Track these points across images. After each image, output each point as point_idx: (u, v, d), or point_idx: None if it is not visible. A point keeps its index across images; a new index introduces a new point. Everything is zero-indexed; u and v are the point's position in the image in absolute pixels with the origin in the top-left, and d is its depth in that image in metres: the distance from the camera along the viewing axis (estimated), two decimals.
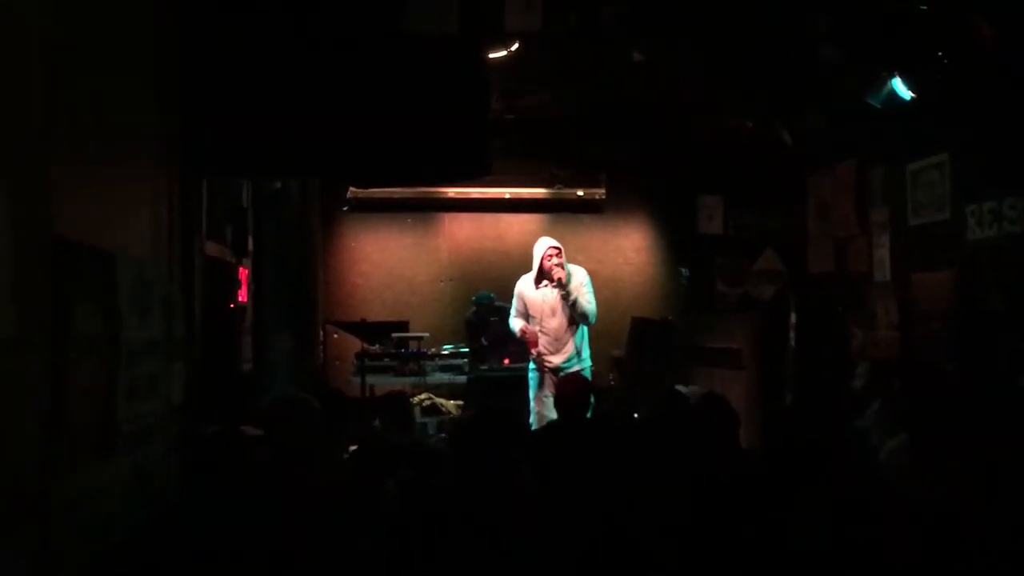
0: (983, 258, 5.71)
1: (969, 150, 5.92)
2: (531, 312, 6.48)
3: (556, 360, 6.38)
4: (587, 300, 6.38)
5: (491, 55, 4.85)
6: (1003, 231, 5.49)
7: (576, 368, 6.33)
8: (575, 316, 6.36)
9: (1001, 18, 4.94)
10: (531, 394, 6.51)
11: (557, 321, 6.38)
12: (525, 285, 6.54)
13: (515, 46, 5.02)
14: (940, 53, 5.49)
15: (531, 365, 6.55)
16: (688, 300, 8.59)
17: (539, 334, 6.40)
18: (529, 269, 6.54)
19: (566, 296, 6.30)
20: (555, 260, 6.32)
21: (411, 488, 3.11)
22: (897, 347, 6.59)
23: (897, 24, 5.35)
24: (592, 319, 6.46)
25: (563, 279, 6.29)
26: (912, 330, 6.44)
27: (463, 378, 7.18)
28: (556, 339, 6.39)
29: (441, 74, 4.14)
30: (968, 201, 5.85)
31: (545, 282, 6.39)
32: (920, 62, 5.61)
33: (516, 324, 6.56)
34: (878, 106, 5.90)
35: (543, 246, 6.44)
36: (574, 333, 6.42)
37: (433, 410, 7.38)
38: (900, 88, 5.75)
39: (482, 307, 7.51)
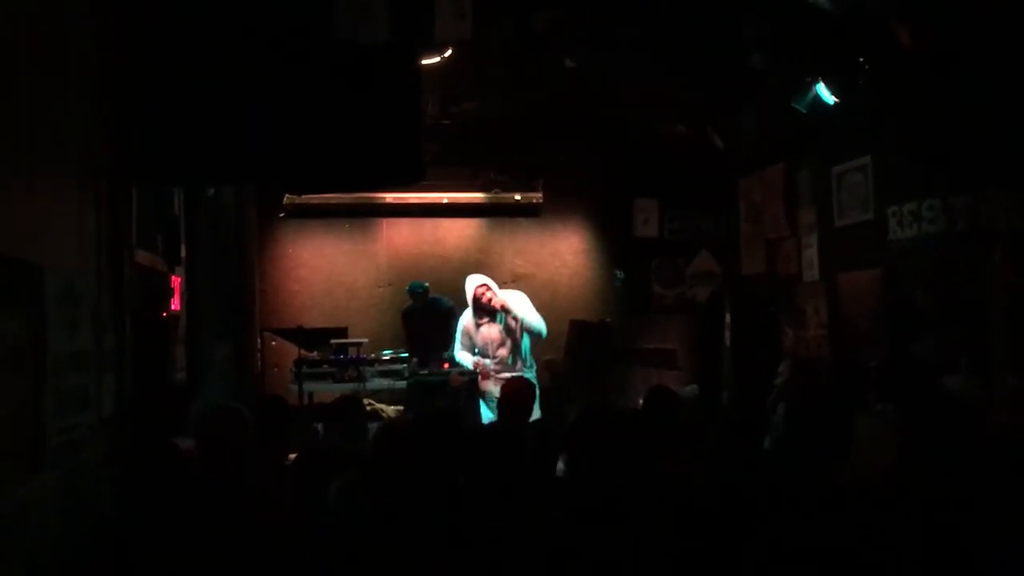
0: (904, 258, 5.90)
1: (890, 153, 6.11)
2: (477, 344, 6.79)
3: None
4: (534, 318, 6.72)
5: (425, 61, 4.86)
6: (922, 231, 5.67)
7: None
8: (529, 334, 6.70)
9: (920, 25, 5.13)
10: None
11: (505, 350, 6.73)
12: (469, 321, 6.84)
13: (448, 52, 5.05)
14: (862, 59, 5.67)
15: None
16: (625, 302, 8.71)
17: (489, 361, 6.71)
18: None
19: (515, 318, 6.61)
20: (488, 295, 6.66)
21: (352, 491, 3.11)
22: (827, 345, 6.77)
23: (821, 31, 5.51)
24: (544, 333, 6.83)
25: (505, 305, 6.63)
26: (840, 328, 6.63)
27: (403, 383, 7.18)
28: (502, 363, 6.72)
29: (374, 80, 4.13)
30: (889, 202, 6.05)
31: (486, 319, 6.70)
32: (843, 68, 5.78)
33: (466, 358, 6.85)
34: (803, 111, 6.06)
35: (472, 284, 6.75)
36: (518, 357, 6.76)
37: (373, 415, 7.37)
38: (824, 93, 5.91)
39: (416, 296, 7.50)
